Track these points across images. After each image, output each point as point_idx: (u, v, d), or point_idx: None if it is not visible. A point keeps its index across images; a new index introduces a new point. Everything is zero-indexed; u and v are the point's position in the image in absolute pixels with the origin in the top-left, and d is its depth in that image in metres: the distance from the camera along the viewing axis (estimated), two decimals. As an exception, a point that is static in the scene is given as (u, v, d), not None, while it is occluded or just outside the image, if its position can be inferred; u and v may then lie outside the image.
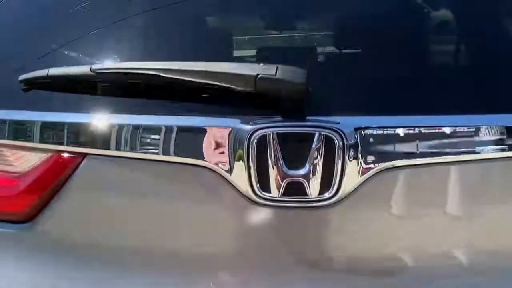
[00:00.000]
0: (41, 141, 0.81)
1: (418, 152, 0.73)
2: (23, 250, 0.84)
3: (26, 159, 0.82)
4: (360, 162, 0.72)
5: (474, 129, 0.74)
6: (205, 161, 0.74)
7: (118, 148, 0.77)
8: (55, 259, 0.83)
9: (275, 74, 0.70)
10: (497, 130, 0.74)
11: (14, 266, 0.84)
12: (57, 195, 0.81)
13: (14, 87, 0.84)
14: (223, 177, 0.75)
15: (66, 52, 0.91)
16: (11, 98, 0.86)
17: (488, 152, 0.74)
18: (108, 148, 0.77)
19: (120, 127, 0.77)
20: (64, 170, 0.80)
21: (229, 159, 0.74)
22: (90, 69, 0.77)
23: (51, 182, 0.81)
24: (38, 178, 0.81)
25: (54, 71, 0.81)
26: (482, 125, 0.74)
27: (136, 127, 0.76)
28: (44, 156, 0.81)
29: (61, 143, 0.80)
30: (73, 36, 0.91)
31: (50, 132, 0.81)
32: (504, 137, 0.74)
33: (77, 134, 0.79)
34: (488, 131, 0.74)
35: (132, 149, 0.76)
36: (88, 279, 0.81)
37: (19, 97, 0.84)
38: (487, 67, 0.87)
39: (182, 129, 0.76)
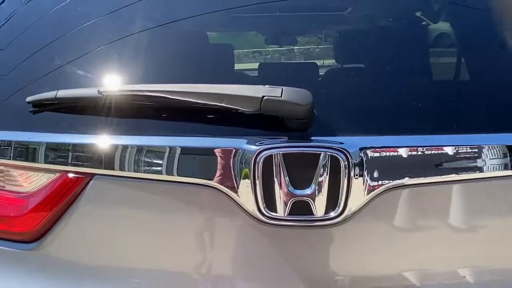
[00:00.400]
0: (48, 162, 0.81)
1: (421, 171, 0.74)
2: (29, 270, 0.85)
3: (33, 180, 0.83)
4: (366, 182, 0.73)
5: (476, 148, 0.75)
6: (211, 181, 0.75)
7: (125, 169, 0.78)
8: (61, 279, 0.83)
9: (281, 96, 0.71)
10: (498, 149, 0.75)
11: (18, 285, 0.84)
12: (64, 214, 0.82)
13: (20, 109, 0.85)
14: (229, 197, 0.75)
15: (71, 74, 0.93)
16: (17, 119, 0.87)
17: (490, 171, 0.75)
18: (116, 169, 0.78)
19: (128, 148, 0.78)
20: (71, 190, 0.81)
21: (235, 179, 0.74)
22: (98, 91, 0.78)
23: (58, 202, 0.81)
24: (46, 198, 0.82)
25: (62, 93, 0.82)
26: (483, 144, 0.75)
27: (143, 148, 0.77)
28: (52, 176, 0.82)
29: (69, 164, 0.80)
30: (78, 58, 0.93)
31: (58, 153, 0.81)
32: (506, 155, 0.75)
33: (85, 155, 0.80)
34: (489, 150, 0.75)
35: (139, 170, 0.77)
36: None
37: (26, 118, 0.85)
38: (487, 90, 0.88)
39: (188, 150, 0.77)
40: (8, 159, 0.84)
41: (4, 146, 0.84)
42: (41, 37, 0.99)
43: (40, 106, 0.84)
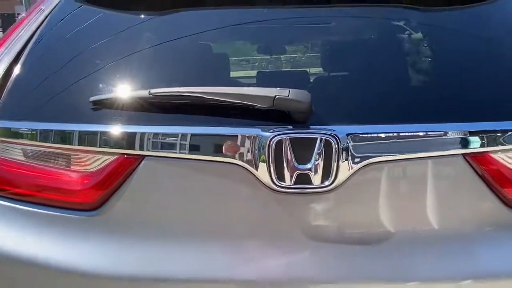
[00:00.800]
0: (108, 146, 1.06)
1: (393, 151, 1.01)
2: (89, 231, 1.09)
3: (96, 160, 1.07)
4: (350, 159, 0.99)
5: (435, 134, 1.01)
6: (237, 159, 1.01)
7: (171, 151, 1.03)
8: (114, 238, 1.07)
9: (288, 95, 0.97)
10: (450, 135, 1.02)
11: (82, 244, 1.08)
12: (120, 188, 1.06)
13: (84, 107, 1.10)
14: (249, 171, 1.01)
15: (115, 79, 1.18)
16: (81, 114, 1.11)
17: (438, 151, 1.01)
18: (163, 151, 1.03)
19: (172, 134, 1.03)
20: (127, 168, 1.05)
21: (254, 158, 1.00)
22: (149, 93, 1.03)
23: (116, 178, 1.06)
24: (106, 175, 1.06)
25: (119, 94, 1.07)
26: (434, 131, 1.01)
27: (185, 135, 1.02)
28: (111, 158, 1.06)
29: (124, 148, 1.05)
30: (128, 67, 1.18)
31: (116, 139, 1.06)
32: (450, 139, 1.02)
33: (137, 140, 1.04)
34: (437, 136, 1.01)
35: (182, 151, 1.02)
36: (144, 250, 1.05)
37: (88, 113, 1.10)
38: (448, 86, 1.15)
39: (219, 137, 1.02)
40: (75, 145, 1.08)
41: (72, 134, 1.08)
42: (94, 54, 1.23)
43: (101, 104, 1.08)
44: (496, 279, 1.00)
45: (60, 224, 1.09)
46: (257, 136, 1.00)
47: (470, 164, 1.02)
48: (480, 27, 1.26)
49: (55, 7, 1.33)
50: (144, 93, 1.04)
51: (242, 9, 1.34)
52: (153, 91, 1.03)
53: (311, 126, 1.00)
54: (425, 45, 1.25)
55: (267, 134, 0.99)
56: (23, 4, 23.65)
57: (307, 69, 1.45)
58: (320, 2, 1.31)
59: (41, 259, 1.06)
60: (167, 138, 1.03)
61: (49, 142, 1.08)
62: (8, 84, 1.18)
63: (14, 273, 1.09)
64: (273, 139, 0.99)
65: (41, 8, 1.34)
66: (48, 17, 1.30)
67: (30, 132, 1.10)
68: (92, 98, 1.09)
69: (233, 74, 1.26)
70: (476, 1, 1.28)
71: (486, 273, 1.01)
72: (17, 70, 1.19)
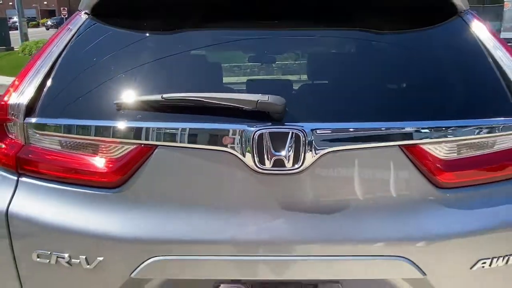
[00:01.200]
0: (129, 138, 1.37)
1: (346, 142, 1.33)
2: (112, 205, 1.39)
3: (119, 149, 1.38)
4: (314, 148, 1.31)
5: (377, 130, 1.34)
6: (229, 148, 1.32)
7: (178, 141, 1.34)
8: (135, 209, 1.38)
9: (268, 100, 1.29)
10: (389, 131, 1.34)
11: (107, 214, 1.39)
12: (138, 170, 1.38)
13: (109, 108, 1.41)
14: (238, 157, 1.33)
15: (134, 86, 1.49)
16: (109, 113, 1.42)
17: (384, 143, 1.34)
18: (172, 141, 1.35)
19: (180, 129, 1.34)
20: (143, 155, 1.37)
21: (242, 147, 1.32)
22: (162, 97, 1.35)
23: (135, 163, 1.37)
24: (127, 161, 1.38)
25: (137, 97, 1.39)
26: (382, 127, 1.34)
27: (189, 129, 1.34)
28: (131, 147, 1.37)
29: (141, 139, 1.36)
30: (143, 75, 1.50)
31: (135, 132, 1.37)
32: (393, 134, 1.35)
33: (152, 133, 1.36)
34: (385, 131, 1.34)
35: (187, 142, 1.34)
36: (156, 218, 1.36)
37: (114, 113, 1.41)
38: (388, 94, 1.48)
39: (215, 130, 1.34)
40: (103, 137, 1.39)
41: (102, 129, 1.39)
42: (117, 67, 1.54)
43: (123, 106, 1.40)
44: (422, 240, 1.33)
45: (89, 199, 1.40)
46: (244, 130, 1.32)
47: (404, 153, 1.35)
48: (419, 46, 1.60)
49: (79, 27, 1.64)
50: (158, 97, 1.36)
51: (234, 30, 1.67)
52: (165, 95, 1.35)
53: (285, 123, 1.33)
54: (372, 60, 1.59)
55: (252, 129, 1.31)
56: (16, 8, 23.80)
57: (284, 79, 1.78)
58: (295, 26, 1.65)
59: (74, 227, 1.37)
60: (175, 132, 1.35)
61: (83, 135, 1.39)
62: (44, 90, 1.48)
63: (53, 238, 1.39)
64: (256, 133, 1.31)
65: (69, 28, 1.65)
66: (75, 35, 1.62)
67: (66, 127, 1.41)
68: (115, 101, 1.40)
69: (226, 80, 1.58)
70: (417, 26, 1.62)
71: (417, 235, 1.34)
72: (51, 80, 1.50)
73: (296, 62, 1.65)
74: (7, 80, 19.03)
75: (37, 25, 51.26)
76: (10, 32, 26.07)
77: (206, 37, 1.70)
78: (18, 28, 22.93)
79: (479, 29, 1.61)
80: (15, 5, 26.21)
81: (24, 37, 22.62)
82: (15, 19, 32.84)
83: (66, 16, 37.73)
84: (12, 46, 23.94)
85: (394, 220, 1.36)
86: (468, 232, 1.35)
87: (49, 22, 50.70)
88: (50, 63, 1.53)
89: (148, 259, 1.33)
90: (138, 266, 1.34)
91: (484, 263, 1.37)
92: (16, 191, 1.44)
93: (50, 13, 68.39)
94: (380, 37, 1.60)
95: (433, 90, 1.46)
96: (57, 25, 52.79)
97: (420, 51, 1.58)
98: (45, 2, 70.50)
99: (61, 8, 38.29)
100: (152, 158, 1.37)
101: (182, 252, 1.34)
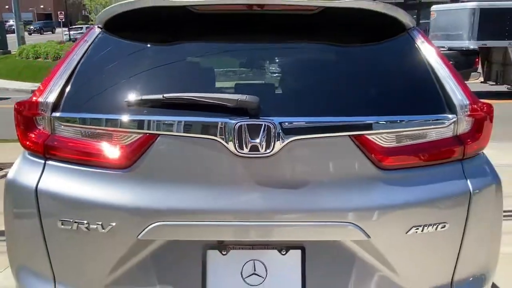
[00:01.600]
0: (136, 128, 1.73)
1: (307, 133, 1.70)
2: (124, 183, 1.75)
3: (129, 137, 1.75)
4: (282, 137, 1.68)
5: (331, 123, 1.71)
6: (216, 136, 1.69)
7: (176, 131, 1.71)
8: (141, 185, 1.74)
9: (246, 99, 1.66)
10: (340, 124, 1.72)
11: (118, 189, 1.75)
12: (144, 154, 1.74)
13: (120, 104, 1.77)
14: (222, 144, 1.69)
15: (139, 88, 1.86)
16: (121, 109, 1.78)
17: (337, 133, 1.72)
18: (171, 131, 1.71)
19: (177, 121, 1.70)
20: (149, 141, 1.73)
21: (226, 136, 1.68)
22: (163, 96, 1.72)
23: (142, 148, 1.73)
24: (135, 146, 1.74)
25: (143, 97, 1.76)
26: (335, 121, 1.71)
27: (185, 121, 1.70)
28: (138, 135, 1.73)
29: (147, 129, 1.72)
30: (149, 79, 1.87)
31: (141, 123, 1.73)
32: (344, 127, 1.72)
33: (155, 125, 1.72)
34: (338, 124, 1.71)
35: (182, 131, 1.71)
36: (158, 192, 1.72)
37: (124, 108, 1.77)
38: (340, 95, 1.86)
39: (205, 122, 1.70)
40: (116, 128, 1.75)
41: (114, 121, 1.75)
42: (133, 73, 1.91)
43: (130, 103, 1.76)
44: (367, 210, 1.71)
45: (103, 177, 1.76)
46: (227, 123, 1.68)
47: (353, 141, 1.73)
48: (370, 57, 1.98)
49: (94, 39, 2.00)
50: (160, 96, 1.72)
51: (222, 43, 2.05)
52: (166, 95, 1.71)
53: (259, 117, 1.69)
54: (330, 69, 1.97)
55: (233, 121, 1.68)
56: (13, 11, 24.09)
57: (260, 83, 2.16)
58: (269, 42, 2.03)
59: (91, 199, 1.73)
60: (173, 124, 1.71)
61: (99, 126, 1.76)
62: (67, 90, 1.84)
63: (74, 209, 1.75)
64: (236, 125, 1.67)
65: (86, 40, 2.01)
66: (90, 46, 1.98)
67: (85, 119, 1.77)
68: (125, 99, 1.77)
69: (213, 83, 1.97)
70: (371, 40, 2.01)
71: (363, 206, 1.71)
72: (72, 82, 1.86)
73: (270, 70, 2.03)
74: (6, 83, 19.26)
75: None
76: (7, 35, 26.29)
77: (199, 48, 2.07)
78: (15, 32, 23.14)
79: (422, 43, 1.99)
80: (11, 8, 26.39)
81: (21, 40, 22.93)
82: (12, 22, 33.19)
83: (63, 20, 38.23)
84: (9, 49, 24.18)
85: (344, 194, 1.73)
86: (403, 204, 1.73)
87: (32, 27, 51.20)
88: (71, 68, 1.89)
89: (151, 224, 1.69)
90: (143, 230, 1.69)
91: (417, 229, 1.74)
92: (44, 172, 1.80)
93: (47, 17, 68.81)
94: (339, 50, 1.98)
95: (378, 91, 1.85)
96: (40, 30, 52.80)
97: (371, 60, 1.96)
98: (42, 6, 70.92)
99: (58, 12, 38.76)
100: (155, 145, 1.73)
101: (178, 219, 1.70)
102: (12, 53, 23.70)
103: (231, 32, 2.02)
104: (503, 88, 12.48)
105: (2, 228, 1.90)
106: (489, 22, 11.36)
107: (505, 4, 11.73)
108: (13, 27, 29.49)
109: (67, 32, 37.26)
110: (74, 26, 44.07)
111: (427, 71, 1.90)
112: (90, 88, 1.87)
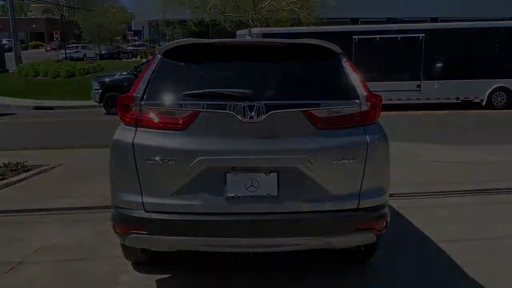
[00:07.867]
0: (189, 109, 3.27)
1: (279, 109, 3.25)
2: (182, 138, 3.28)
3: (184, 113, 3.28)
4: (265, 111, 3.23)
5: (290, 103, 3.28)
6: (231, 111, 3.23)
7: (209, 110, 3.25)
8: (191, 139, 3.26)
9: (245, 91, 3.25)
10: (294, 103, 3.28)
11: (179, 141, 3.28)
12: (193, 122, 3.27)
13: (177, 96, 3.32)
14: (234, 115, 3.23)
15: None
16: (178, 98, 3.33)
17: (294, 109, 3.28)
18: (206, 109, 3.25)
19: (210, 104, 3.25)
20: (194, 116, 3.26)
21: (237, 112, 3.22)
22: (203, 91, 3.28)
23: (191, 120, 3.27)
24: (188, 118, 3.29)
25: (192, 91, 3.31)
26: (291, 102, 3.28)
27: (213, 104, 3.25)
28: (190, 112, 3.27)
29: (194, 108, 3.26)
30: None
31: (190, 106, 3.27)
32: (297, 105, 3.28)
33: (197, 106, 3.26)
34: (293, 102, 3.28)
35: (213, 109, 3.25)
36: (202, 141, 3.25)
37: (180, 98, 3.31)
38: (295, 87, 3.45)
39: (224, 104, 3.24)
40: (176, 108, 3.29)
41: (174, 105, 3.29)
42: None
43: (186, 95, 3.31)
44: (311, 149, 3.26)
45: (170, 136, 3.28)
46: (237, 104, 3.22)
47: (303, 114, 3.29)
48: (312, 70, 3.57)
49: (158, 62, 3.54)
50: (201, 91, 3.29)
51: (233, 62, 3.64)
52: (205, 90, 3.28)
53: (253, 101, 3.24)
54: (286, 75, 3.59)
55: (240, 103, 3.22)
56: (11, 31, 25.30)
57: (253, 82, 3.67)
58: (256, 61, 3.63)
59: (163, 146, 3.25)
60: (209, 105, 3.26)
61: (166, 108, 3.30)
62: (148, 89, 3.39)
63: (154, 152, 3.26)
64: (241, 105, 3.22)
65: (154, 61, 3.56)
66: (156, 66, 3.52)
67: (158, 104, 3.31)
68: (181, 93, 3.32)
69: (231, 84, 3.49)
70: (312, 60, 3.61)
71: (308, 147, 3.26)
72: (150, 85, 3.40)
73: (258, 75, 3.42)
74: (8, 100, 20.31)
75: (25, 48, 52.54)
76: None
77: (220, 63, 3.65)
78: (13, 51, 24.41)
79: (344, 61, 3.59)
80: (4, 28, 27.42)
81: (19, 59, 24.18)
82: (5, 41, 34.39)
83: (59, 39, 39.64)
84: (7, 68, 25.38)
85: (299, 141, 3.27)
86: (331, 147, 3.28)
87: (4, 42, 51.62)
88: (148, 77, 3.43)
89: (197, 158, 3.21)
90: (193, 162, 3.21)
91: (339, 161, 3.29)
92: (136, 134, 3.31)
93: (39, 36, 69.98)
94: (298, 65, 3.60)
95: (319, 87, 3.44)
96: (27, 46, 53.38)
97: (317, 70, 3.57)
98: (34, 25, 72.24)
99: (54, 32, 40.38)
100: (199, 117, 3.26)
101: (211, 156, 3.21)
102: (9, 71, 24.73)
103: (237, 56, 3.63)
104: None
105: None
106: None
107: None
108: (6, 46, 30.59)
109: (63, 51, 39.55)
110: (69, 45, 45.16)
111: (346, 77, 3.50)
112: (160, 88, 3.41)
